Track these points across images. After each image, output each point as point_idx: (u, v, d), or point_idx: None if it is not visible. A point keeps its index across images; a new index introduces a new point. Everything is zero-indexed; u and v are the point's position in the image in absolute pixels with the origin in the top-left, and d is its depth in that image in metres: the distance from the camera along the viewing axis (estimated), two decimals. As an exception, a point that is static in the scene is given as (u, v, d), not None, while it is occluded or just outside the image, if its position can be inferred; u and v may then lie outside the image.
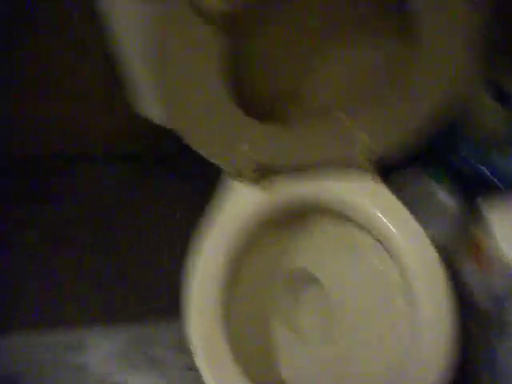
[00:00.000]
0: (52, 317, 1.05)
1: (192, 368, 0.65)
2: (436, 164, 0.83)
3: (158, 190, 1.15)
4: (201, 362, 0.64)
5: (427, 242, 0.68)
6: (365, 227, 0.74)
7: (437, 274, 0.66)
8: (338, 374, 0.76)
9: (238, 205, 0.72)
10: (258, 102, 0.78)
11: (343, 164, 0.72)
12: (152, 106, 0.86)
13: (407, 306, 0.70)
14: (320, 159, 0.72)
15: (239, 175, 0.72)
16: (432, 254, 0.68)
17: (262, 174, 0.72)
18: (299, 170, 0.73)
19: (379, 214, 0.71)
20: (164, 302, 0.98)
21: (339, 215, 0.76)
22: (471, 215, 0.84)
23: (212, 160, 0.72)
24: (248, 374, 0.65)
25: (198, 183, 0.87)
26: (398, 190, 0.84)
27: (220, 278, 0.69)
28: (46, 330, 1.03)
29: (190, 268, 0.69)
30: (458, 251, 0.89)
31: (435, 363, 0.62)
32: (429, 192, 0.83)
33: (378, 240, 0.73)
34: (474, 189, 0.84)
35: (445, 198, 0.82)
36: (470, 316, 0.90)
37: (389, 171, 0.88)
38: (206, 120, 0.73)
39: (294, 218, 0.81)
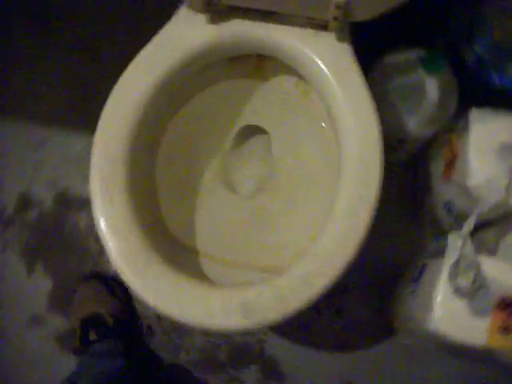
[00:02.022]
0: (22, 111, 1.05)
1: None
2: (435, 52, 0.71)
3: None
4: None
5: (372, 119, 0.62)
6: (316, 87, 0.67)
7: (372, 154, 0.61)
8: (257, 229, 0.75)
9: (181, 31, 0.65)
10: None
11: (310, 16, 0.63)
12: None
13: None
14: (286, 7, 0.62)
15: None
16: (373, 134, 0.61)
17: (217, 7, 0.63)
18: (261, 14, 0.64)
19: (331, 77, 0.63)
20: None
21: (292, 70, 0.70)
22: (454, 119, 0.76)
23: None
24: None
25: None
26: (384, 71, 0.76)
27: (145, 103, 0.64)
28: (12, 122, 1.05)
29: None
30: (429, 149, 0.84)
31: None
32: (416, 80, 0.73)
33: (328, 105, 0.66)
34: (465, 92, 0.74)
35: (431, 90, 0.72)
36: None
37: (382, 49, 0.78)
38: None
39: (246, 67, 0.74)
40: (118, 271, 0.59)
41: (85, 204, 0.99)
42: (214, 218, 0.74)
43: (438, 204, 0.81)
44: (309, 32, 0.64)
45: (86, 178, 1.00)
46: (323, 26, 0.63)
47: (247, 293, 0.57)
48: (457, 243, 0.67)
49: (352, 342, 0.92)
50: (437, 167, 0.82)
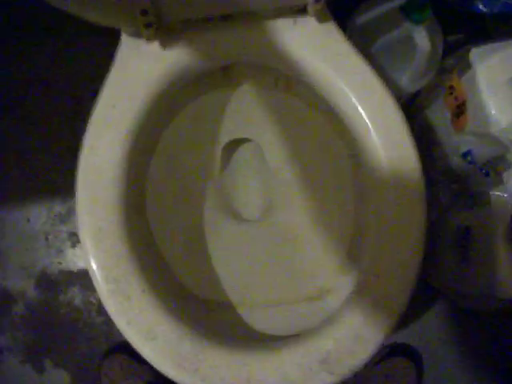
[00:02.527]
0: None
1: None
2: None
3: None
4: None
5: (388, 99, 0.53)
6: (312, 84, 0.58)
7: (398, 134, 0.53)
8: (284, 254, 0.66)
9: (141, 67, 0.54)
10: None
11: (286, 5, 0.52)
12: None
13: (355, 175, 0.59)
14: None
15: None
16: (393, 115, 0.53)
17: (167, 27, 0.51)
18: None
19: (328, 70, 0.54)
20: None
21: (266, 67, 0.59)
22: (453, 64, 0.69)
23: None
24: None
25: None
26: (363, 33, 0.68)
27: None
28: None
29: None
30: (434, 100, 0.77)
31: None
32: (404, 33, 0.65)
33: (325, 101, 0.57)
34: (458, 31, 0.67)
35: (421, 40, 0.65)
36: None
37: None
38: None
39: (213, 79, 0.63)
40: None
41: (72, 277, 0.87)
42: (232, 258, 0.65)
43: (452, 156, 0.75)
44: (285, 23, 0.54)
45: (60, 251, 0.92)
46: (300, 10, 0.53)
47: (322, 345, 0.49)
48: (504, 201, 0.61)
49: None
50: (440, 118, 0.75)
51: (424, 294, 0.86)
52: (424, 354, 0.84)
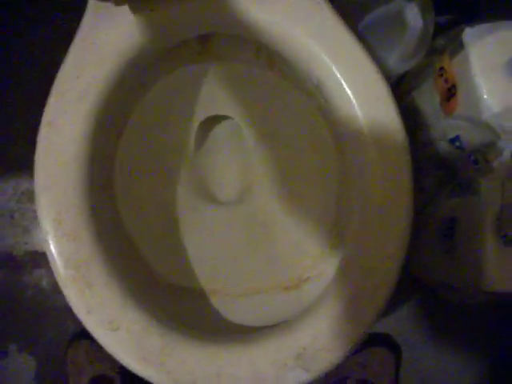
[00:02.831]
0: None
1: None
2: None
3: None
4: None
5: (376, 76, 0.50)
6: (295, 62, 0.54)
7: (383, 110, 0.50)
8: (263, 240, 0.62)
9: (109, 34, 0.49)
10: None
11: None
12: None
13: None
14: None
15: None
16: (381, 92, 0.49)
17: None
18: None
19: (313, 44, 0.50)
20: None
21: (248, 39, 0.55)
22: (444, 44, 0.65)
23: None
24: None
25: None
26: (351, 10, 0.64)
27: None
28: None
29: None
30: (422, 82, 0.74)
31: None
32: (395, 9, 0.61)
33: (308, 78, 0.53)
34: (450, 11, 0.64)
35: (413, 18, 0.61)
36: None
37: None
38: None
39: (188, 52, 0.58)
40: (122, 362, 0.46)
41: (38, 259, 0.83)
42: (207, 242, 0.61)
43: (439, 141, 0.72)
44: (268, -11, 0.49)
45: (27, 230, 0.87)
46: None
47: (298, 339, 0.46)
48: (494, 190, 0.58)
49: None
50: (429, 101, 0.71)
51: (405, 283, 0.83)
52: (403, 346, 0.82)
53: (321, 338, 0.45)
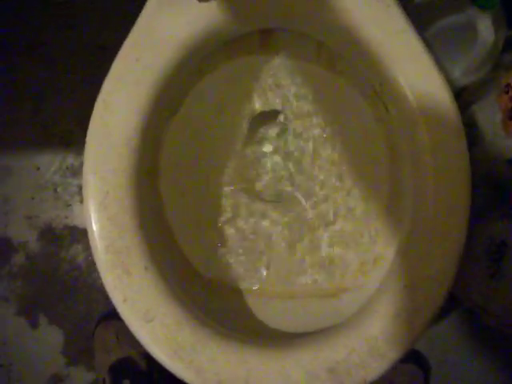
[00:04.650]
0: None
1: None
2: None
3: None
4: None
5: (444, 89, 0.48)
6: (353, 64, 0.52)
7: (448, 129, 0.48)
8: (294, 240, 0.60)
9: (173, 20, 0.48)
10: None
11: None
12: None
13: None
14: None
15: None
16: (448, 106, 0.48)
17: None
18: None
19: (382, 47, 0.48)
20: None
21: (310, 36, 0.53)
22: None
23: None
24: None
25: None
26: (422, 13, 0.61)
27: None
28: None
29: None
30: (484, 97, 0.70)
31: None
32: (466, 19, 0.58)
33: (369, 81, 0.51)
34: None
35: (485, 29, 0.58)
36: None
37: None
38: None
39: (249, 45, 0.57)
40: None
41: (77, 234, 0.84)
42: (247, 240, 0.60)
43: (496, 161, 0.69)
44: (339, -9, 0.47)
45: (68, 205, 0.88)
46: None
47: (333, 352, 0.44)
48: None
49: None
50: (489, 117, 0.68)
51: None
52: (433, 363, 0.79)
53: (356, 354, 0.44)
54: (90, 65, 0.84)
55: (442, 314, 0.81)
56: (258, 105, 0.62)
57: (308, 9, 0.49)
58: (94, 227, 0.46)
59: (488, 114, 0.68)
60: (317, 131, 0.60)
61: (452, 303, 0.79)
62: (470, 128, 0.73)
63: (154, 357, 0.45)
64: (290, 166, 0.64)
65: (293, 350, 0.45)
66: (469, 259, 0.70)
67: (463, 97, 0.76)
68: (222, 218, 0.60)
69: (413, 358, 0.80)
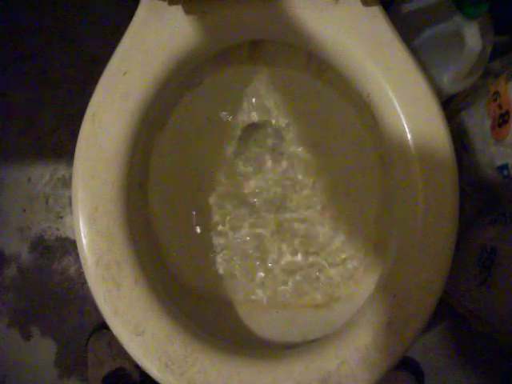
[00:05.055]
0: None
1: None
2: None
3: None
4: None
5: (431, 98, 0.48)
6: (347, 72, 0.52)
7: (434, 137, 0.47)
8: (285, 251, 0.61)
9: (160, 33, 0.48)
10: None
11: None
12: None
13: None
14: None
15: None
16: (434, 117, 0.47)
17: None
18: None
19: (369, 60, 0.48)
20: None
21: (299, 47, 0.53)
22: (501, 68, 0.63)
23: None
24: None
25: None
26: (409, 22, 0.62)
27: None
28: None
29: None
30: (473, 104, 0.71)
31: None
32: (453, 28, 0.59)
33: (357, 91, 0.52)
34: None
35: (472, 38, 0.59)
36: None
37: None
38: None
39: (238, 55, 0.57)
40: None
41: (69, 246, 0.83)
42: (238, 252, 0.60)
43: (486, 167, 0.69)
44: (326, 0, 0.48)
45: (60, 216, 0.88)
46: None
47: (325, 363, 0.44)
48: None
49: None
50: (478, 124, 0.69)
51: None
52: (426, 371, 0.79)
53: (348, 365, 0.44)
54: (82, 77, 0.84)
55: (435, 320, 0.81)
56: (247, 115, 0.62)
57: (294, 21, 0.49)
58: (84, 241, 0.46)
59: (477, 122, 0.69)
60: (307, 139, 0.61)
61: (444, 310, 0.79)
62: (460, 136, 0.74)
63: (144, 368, 0.44)
64: (281, 177, 0.64)
65: (284, 361, 0.45)
66: (460, 266, 0.71)
67: (452, 104, 0.77)
68: (213, 230, 0.60)
69: (407, 365, 0.80)
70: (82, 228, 0.46)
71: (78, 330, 0.83)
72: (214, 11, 0.48)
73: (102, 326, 0.81)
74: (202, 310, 0.54)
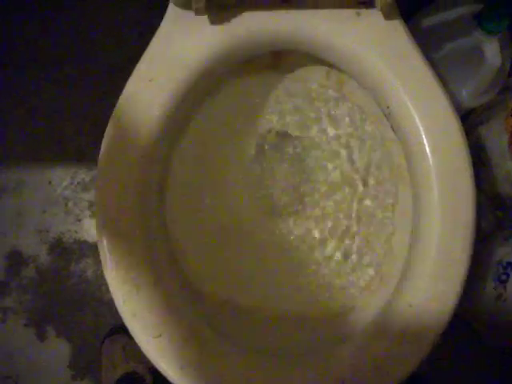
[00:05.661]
0: None
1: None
2: (495, 7, 0.56)
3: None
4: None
5: (450, 112, 0.49)
6: (367, 85, 0.53)
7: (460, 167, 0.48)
8: (302, 259, 0.61)
9: (186, 42, 0.50)
10: None
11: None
12: None
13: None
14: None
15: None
16: (453, 132, 0.48)
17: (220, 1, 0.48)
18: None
19: (389, 73, 0.49)
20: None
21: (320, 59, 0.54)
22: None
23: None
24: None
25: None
26: (429, 36, 0.62)
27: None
28: None
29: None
30: (491, 119, 0.71)
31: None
32: (473, 43, 0.59)
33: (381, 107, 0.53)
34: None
35: (492, 53, 0.59)
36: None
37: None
38: None
39: (260, 64, 0.58)
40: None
41: (86, 249, 0.85)
42: (255, 258, 0.60)
43: (503, 183, 0.69)
44: (347, 14, 0.49)
45: (78, 219, 0.90)
46: (366, 2, 0.48)
47: (338, 371, 0.45)
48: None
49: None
50: (496, 139, 0.69)
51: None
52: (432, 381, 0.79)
53: (361, 373, 0.44)
54: (105, 83, 0.85)
55: (448, 335, 0.81)
56: (267, 123, 0.63)
57: (316, 34, 0.50)
58: (105, 242, 0.47)
59: (495, 137, 0.69)
60: (327, 149, 0.61)
61: (458, 325, 0.79)
62: (477, 150, 0.74)
63: (161, 372, 0.45)
64: (299, 186, 0.65)
65: (298, 367, 0.46)
66: (476, 280, 0.70)
67: (470, 119, 0.77)
68: (228, 236, 0.61)
69: (417, 380, 0.79)
70: (103, 230, 0.47)
71: (93, 333, 0.84)
72: (240, 22, 0.49)
73: (117, 330, 0.82)
74: (219, 316, 0.55)
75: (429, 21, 0.64)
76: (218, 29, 0.49)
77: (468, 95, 0.64)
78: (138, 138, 0.49)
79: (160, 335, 0.45)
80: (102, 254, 0.47)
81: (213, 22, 0.49)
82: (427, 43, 0.63)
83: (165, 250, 0.53)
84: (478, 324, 0.73)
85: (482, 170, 0.74)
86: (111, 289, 0.46)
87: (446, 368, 0.81)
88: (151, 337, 0.45)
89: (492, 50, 0.59)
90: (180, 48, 0.49)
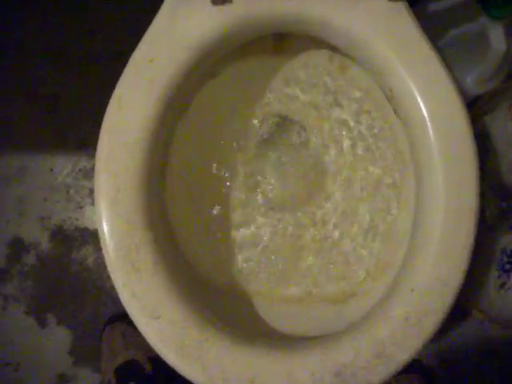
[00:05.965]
0: None
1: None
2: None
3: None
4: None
5: (455, 99, 0.48)
6: (371, 69, 0.52)
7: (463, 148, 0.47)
8: (303, 246, 0.60)
9: (188, 23, 0.49)
10: None
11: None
12: None
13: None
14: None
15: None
16: (458, 117, 0.47)
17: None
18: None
19: (393, 57, 0.48)
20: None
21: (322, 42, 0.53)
22: None
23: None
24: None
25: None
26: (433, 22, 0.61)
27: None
28: None
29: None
30: (496, 107, 0.70)
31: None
32: (478, 29, 0.58)
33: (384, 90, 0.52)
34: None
35: (497, 39, 0.58)
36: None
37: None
38: None
39: (262, 47, 0.58)
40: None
41: (88, 236, 0.84)
42: (255, 243, 0.60)
43: (508, 172, 0.68)
44: (350, -6, 0.48)
45: (80, 207, 0.90)
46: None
47: (340, 356, 0.44)
48: None
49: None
50: (501, 128, 0.68)
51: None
52: (441, 375, 0.79)
53: (363, 357, 0.44)
54: (107, 69, 0.85)
55: (450, 324, 0.80)
56: (269, 107, 0.62)
57: (319, 16, 0.49)
58: (104, 224, 0.46)
59: (501, 125, 0.68)
60: (330, 135, 0.61)
61: (460, 314, 0.79)
62: (482, 138, 0.73)
63: (159, 354, 0.45)
64: (302, 173, 0.64)
65: (300, 352, 0.45)
66: (479, 269, 0.70)
67: (476, 107, 0.76)
68: (231, 222, 0.61)
69: (417, 368, 0.79)
70: (103, 211, 0.46)
71: (93, 320, 0.83)
72: (242, 3, 0.49)
73: (118, 317, 0.82)
74: (219, 300, 0.54)
75: (434, 7, 0.63)
76: (219, 9, 0.48)
77: (473, 81, 0.64)
78: (139, 119, 0.48)
79: (159, 317, 0.44)
80: (101, 235, 0.47)
81: (214, 2, 0.48)
82: (432, 29, 0.63)
83: (164, 234, 0.52)
84: (482, 314, 0.72)
85: (487, 158, 0.73)
86: (110, 270, 0.46)
87: (451, 358, 0.81)
88: (150, 318, 0.44)
89: (497, 35, 0.58)
90: (181, 29, 0.49)
